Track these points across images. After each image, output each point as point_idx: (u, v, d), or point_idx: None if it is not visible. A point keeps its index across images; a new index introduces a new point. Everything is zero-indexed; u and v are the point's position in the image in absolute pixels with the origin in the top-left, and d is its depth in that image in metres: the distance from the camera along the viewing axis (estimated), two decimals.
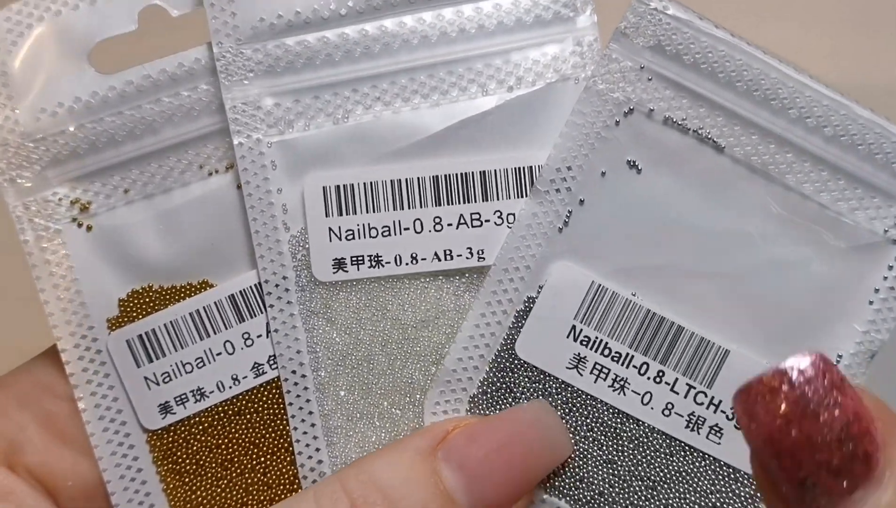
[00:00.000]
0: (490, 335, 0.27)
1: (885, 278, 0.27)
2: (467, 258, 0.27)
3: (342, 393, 0.28)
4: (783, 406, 0.18)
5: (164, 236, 0.28)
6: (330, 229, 0.27)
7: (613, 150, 0.27)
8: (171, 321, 0.28)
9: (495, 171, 0.27)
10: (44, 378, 0.28)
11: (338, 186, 0.27)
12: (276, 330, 0.27)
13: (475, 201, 0.27)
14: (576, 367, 0.27)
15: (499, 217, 0.27)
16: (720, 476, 0.27)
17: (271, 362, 0.28)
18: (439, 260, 0.27)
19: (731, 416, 0.27)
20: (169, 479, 0.28)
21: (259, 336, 0.28)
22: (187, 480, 0.28)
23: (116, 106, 0.27)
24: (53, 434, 0.28)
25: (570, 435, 0.27)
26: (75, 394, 0.27)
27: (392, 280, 0.28)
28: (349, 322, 0.28)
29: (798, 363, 0.18)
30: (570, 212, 0.27)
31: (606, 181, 0.27)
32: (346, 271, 0.27)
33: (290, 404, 0.27)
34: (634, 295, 0.27)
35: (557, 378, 0.27)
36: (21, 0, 0.27)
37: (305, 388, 0.27)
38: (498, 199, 0.27)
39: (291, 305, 0.27)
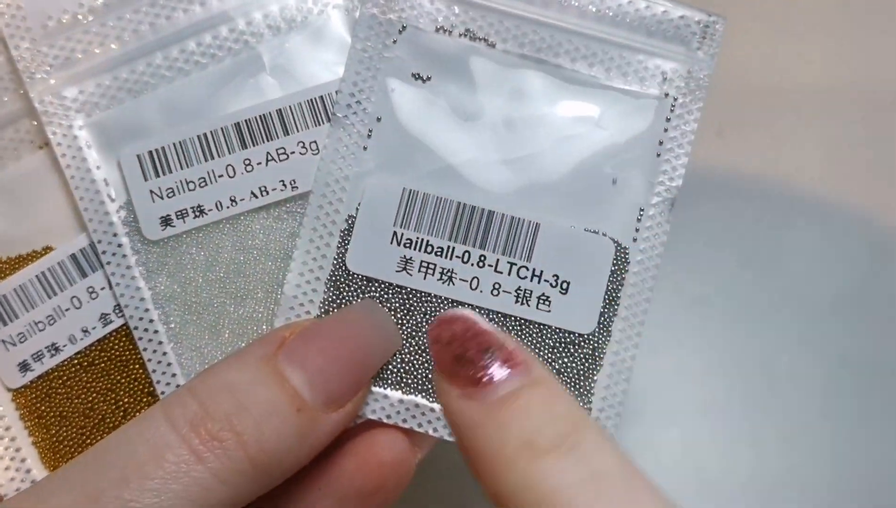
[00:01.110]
0: (321, 256, 0.29)
1: (666, 129, 0.29)
2: (282, 190, 0.30)
3: (193, 340, 0.30)
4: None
5: (4, 210, 0.30)
6: (150, 191, 0.29)
7: (397, 66, 0.29)
8: (19, 286, 0.30)
9: (290, 106, 0.29)
10: None
11: (150, 152, 0.29)
12: (121, 295, 0.29)
13: (278, 138, 0.29)
14: (404, 269, 0.29)
15: (302, 147, 0.29)
16: (558, 342, 0.29)
17: (117, 311, 0.30)
18: (256, 197, 0.30)
19: (554, 283, 0.29)
20: (36, 433, 0.30)
21: (102, 289, 0.30)
22: (53, 432, 0.30)
23: None
24: None
25: (413, 333, 0.29)
26: None
27: (218, 225, 0.30)
28: (187, 273, 0.30)
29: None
30: (370, 131, 0.29)
31: (397, 95, 0.29)
32: (174, 226, 0.30)
33: (149, 360, 0.29)
34: (444, 193, 0.29)
35: (390, 283, 0.29)
36: None
37: (160, 342, 0.29)
38: (298, 131, 0.29)
39: (131, 269, 0.29)
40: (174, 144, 0.29)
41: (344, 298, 0.29)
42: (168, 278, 0.30)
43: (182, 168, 0.29)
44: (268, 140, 0.29)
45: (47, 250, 0.30)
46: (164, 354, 0.29)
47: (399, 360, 0.29)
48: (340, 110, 0.29)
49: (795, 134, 0.46)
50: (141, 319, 0.29)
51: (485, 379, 0.26)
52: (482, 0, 0.29)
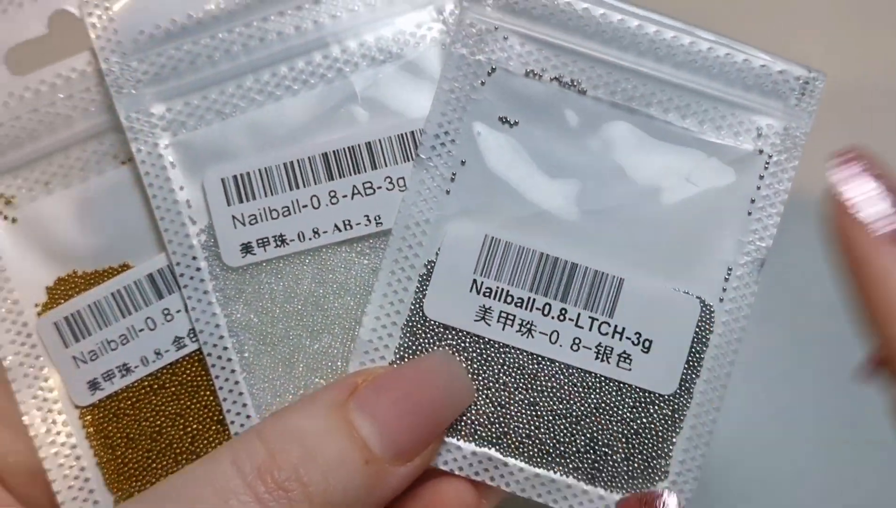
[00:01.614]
0: (398, 301, 0.28)
1: (758, 187, 0.29)
2: (366, 225, 0.29)
3: (266, 372, 0.29)
4: None
5: (84, 224, 0.29)
6: (233, 216, 0.29)
7: (484, 109, 0.29)
8: (94, 302, 0.29)
9: (379, 140, 0.29)
10: None
11: (235, 176, 0.29)
12: (196, 320, 0.29)
13: (365, 171, 0.29)
14: (483, 318, 0.28)
15: (389, 183, 0.29)
16: (638, 402, 0.28)
17: (191, 335, 0.29)
18: (340, 230, 0.29)
19: (636, 341, 0.28)
20: (102, 453, 0.29)
21: (178, 311, 0.29)
22: (119, 453, 0.29)
23: (32, 104, 0.29)
24: None
25: (490, 384, 0.28)
26: (8, 377, 0.29)
27: (299, 256, 0.29)
28: (264, 303, 0.29)
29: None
30: (454, 174, 0.29)
31: (483, 139, 0.29)
32: (255, 254, 0.29)
33: (220, 388, 0.29)
34: (526, 242, 0.28)
35: (468, 332, 0.28)
36: None
37: (233, 371, 0.29)
38: (386, 165, 0.29)
39: (208, 294, 0.29)
40: (260, 171, 0.29)
41: (420, 345, 0.28)
42: (245, 306, 0.29)
43: (266, 195, 0.29)
44: (355, 173, 0.29)
45: (124, 267, 0.29)
46: (237, 383, 0.29)
47: (474, 411, 0.28)
48: (424, 152, 0.29)
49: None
50: (215, 346, 0.29)
51: None
52: (574, 45, 0.29)
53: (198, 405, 0.29)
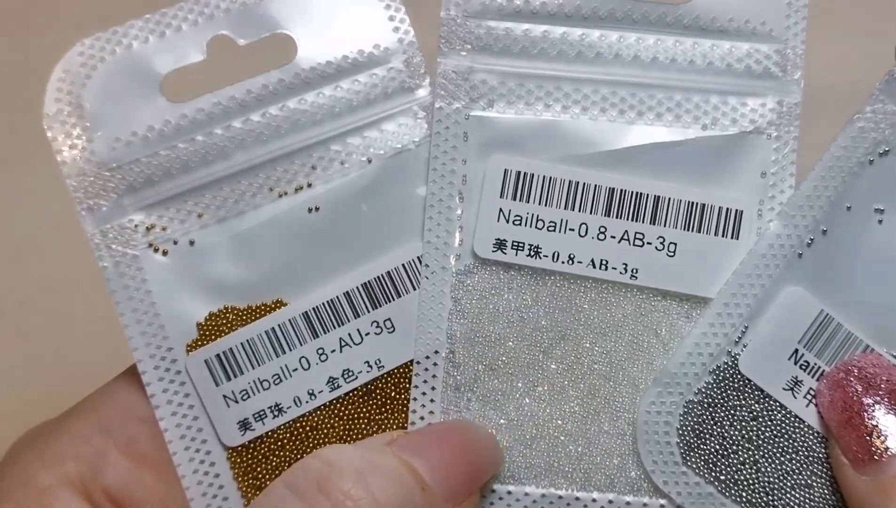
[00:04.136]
0: (716, 345, 0.28)
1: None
2: (621, 274, 0.28)
3: (466, 374, 0.29)
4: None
5: (237, 258, 0.28)
6: (500, 209, 0.28)
7: (863, 187, 0.28)
8: (247, 340, 0.28)
9: (670, 199, 0.28)
10: (125, 401, 0.29)
11: (518, 172, 0.28)
12: (423, 302, 0.28)
13: (642, 222, 0.28)
14: (791, 389, 0.28)
15: (661, 243, 0.28)
16: None
17: (346, 375, 0.28)
18: (594, 267, 0.28)
19: None
20: (251, 494, 0.29)
21: (333, 351, 0.28)
22: None
23: (189, 133, 0.28)
24: (134, 458, 0.28)
25: (769, 454, 0.28)
26: (157, 415, 0.28)
27: (542, 273, 0.29)
28: (485, 306, 0.29)
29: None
30: (811, 239, 0.28)
31: (852, 216, 0.28)
32: (505, 254, 0.28)
33: (416, 386, 0.28)
34: (856, 329, 0.28)
35: (772, 397, 0.28)
36: (94, 35, 0.28)
37: (434, 376, 0.28)
38: (664, 225, 0.28)
39: (446, 271, 0.28)
40: (544, 177, 0.29)
41: (722, 394, 0.28)
42: (476, 298, 0.29)
43: (540, 204, 0.29)
44: (632, 219, 0.29)
45: (279, 303, 0.29)
46: (433, 389, 0.29)
47: (735, 463, 0.28)
48: (792, 209, 0.28)
49: None
50: (428, 345, 0.29)
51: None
52: None
53: None
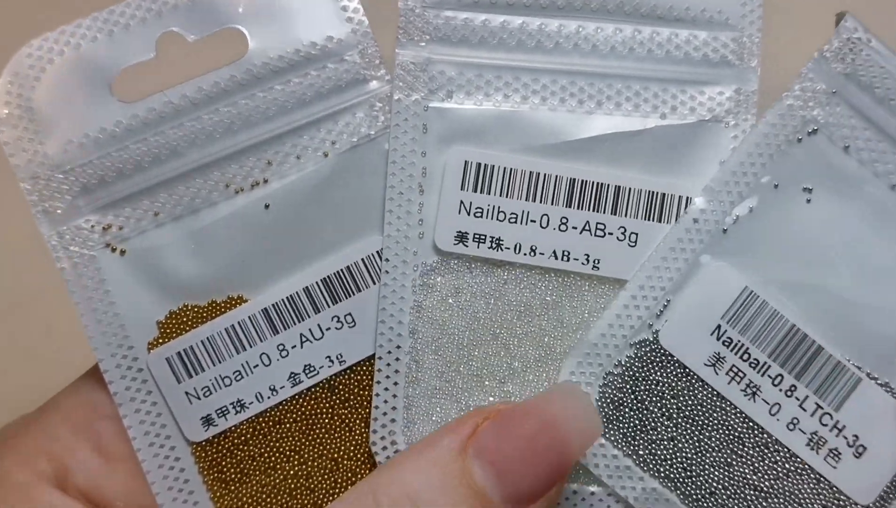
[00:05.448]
0: (637, 317, 0.28)
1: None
2: (582, 264, 0.28)
3: (429, 369, 0.29)
4: None
5: (195, 256, 0.28)
6: (461, 201, 0.28)
7: (790, 166, 0.28)
8: (207, 337, 0.28)
9: (630, 189, 0.28)
10: (91, 398, 0.29)
11: (479, 164, 0.28)
12: (383, 296, 0.28)
13: (604, 212, 0.28)
14: (713, 365, 0.28)
15: (622, 233, 0.28)
16: (830, 501, 0.28)
17: (307, 371, 0.29)
18: (556, 258, 0.28)
19: (851, 443, 0.27)
20: (216, 488, 0.29)
21: (294, 347, 0.29)
22: (233, 488, 0.29)
23: (141, 133, 0.28)
24: (103, 456, 0.29)
25: (692, 429, 0.28)
26: (120, 412, 0.28)
27: (504, 266, 0.29)
28: (447, 300, 0.29)
29: None
30: (737, 216, 0.28)
31: (779, 194, 0.28)
32: (466, 246, 0.28)
33: (378, 381, 0.28)
34: (782, 308, 0.27)
35: (693, 373, 0.28)
36: (41, 35, 0.28)
37: (396, 371, 0.28)
38: (626, 216, 0.28)
39: (407, 264, 0.28)
40: (504, 169, 0.28)
41: (643, 367, 0.28)
42: (435, 293, 0.29)
43: (501, 195, 0.28)
44: (593, 210, 0.28)
45: (238, 299, 0.29)
46: (395, 396, 0.28)
47: (671, 447, 0.28)
48: (717, 184, 0.28)
49: None
50: (391, 328, 0.28)
51: None
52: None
53: (313, 442, 0.29)
